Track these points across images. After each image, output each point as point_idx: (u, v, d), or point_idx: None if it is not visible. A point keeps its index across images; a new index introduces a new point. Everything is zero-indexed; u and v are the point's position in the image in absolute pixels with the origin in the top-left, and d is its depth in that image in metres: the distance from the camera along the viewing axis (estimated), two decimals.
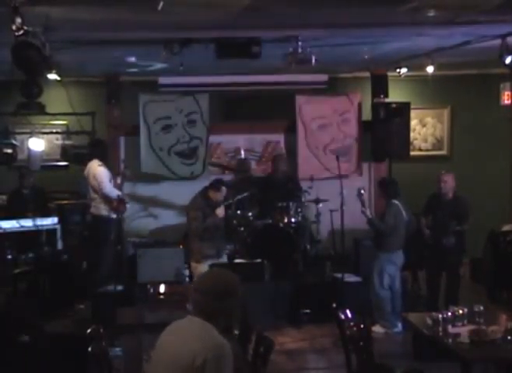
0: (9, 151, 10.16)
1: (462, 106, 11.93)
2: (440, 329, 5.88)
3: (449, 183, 9.10)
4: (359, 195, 8.94)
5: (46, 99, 9.45)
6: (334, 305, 8.69)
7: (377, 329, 8.61)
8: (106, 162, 9.84)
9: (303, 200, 10.26)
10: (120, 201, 9.68)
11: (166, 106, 11.15)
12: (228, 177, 10.61)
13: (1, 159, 10.18)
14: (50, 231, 9.75)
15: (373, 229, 9.10)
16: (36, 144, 10.48)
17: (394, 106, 11.15)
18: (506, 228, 10.13)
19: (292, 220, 9.90)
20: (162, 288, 7.18)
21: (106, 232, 9.66)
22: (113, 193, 9.61)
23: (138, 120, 11.06)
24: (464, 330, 5.79)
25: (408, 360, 7.40)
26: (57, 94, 10.49)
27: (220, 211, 9.14)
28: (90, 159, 9.82)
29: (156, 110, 11.12)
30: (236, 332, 6.52)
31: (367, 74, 11.41)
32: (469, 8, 6.29)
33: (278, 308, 9.26)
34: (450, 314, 6.00)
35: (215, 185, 9.16)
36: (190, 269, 9.18)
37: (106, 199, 9.60)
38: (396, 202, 8.81)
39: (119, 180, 9.83)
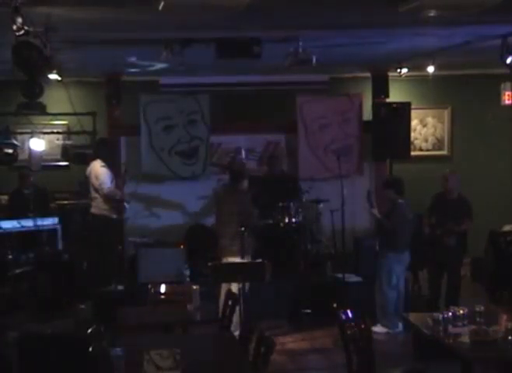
0: (10, 151, 10.15)
1: (463, 106, 11.93)
2: (441, 329, 5.88)
3: (452, 182, 9.11)
4: (369, 196, 8.94)
5: (47, 99, 9.46)
6: (334, 305, 8.68)
7: (379, 329, 8.60)
8: (110, 162, 9.86)
9: (303, 200, 10.27)
10: (120, 202, 9.70)
11: (167, 106, 11.16)
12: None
13: (2, 159, 10.18)
14: (51, 231, 9.76)
15: (380, 229, 9.07)
16: (37, 144, 10.49)
17: (394, 106, 11.14)
18: (506, 228, 10.14)
19: (293, 220, 9.90)
20: (162, 288, 7.17)
21: (107, 232, 9.67)
22: (114, 194, 9.63)
23: (139, 120, 11.07)
24: (464, 330, 5.79)
25: (409, 360, 7.40)
26: (58, 94, 10.50)
27: None
28: (94, 159, 9.85)
29: (157, 110, 11.13)
30: (237, 332, 6.54)
31: (368, 74, 11.42)
32: (470, 8, 6.28)
33: (278, 308, 9.26)
34: (450, 314, 5.99)
35: (243, 175, 9.01)
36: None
37: (107, 199, 9.62)
38: (402, 201, 8.79)
39: (120, 182, 9.85)
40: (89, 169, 9.84)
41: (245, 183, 8.80)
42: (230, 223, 8.64)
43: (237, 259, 8.26)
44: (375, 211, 8.91)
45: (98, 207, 9.75)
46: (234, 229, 8.56)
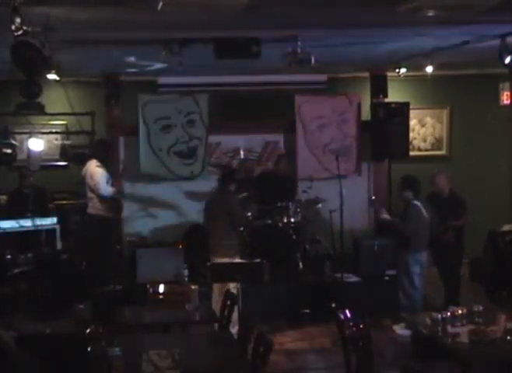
0: (9, 151, 10.15)
1: (461, 106, 11.93)
2: (440, 329, 5.89)
3: (440, 182, 9.20)
4: (372, 204, 8.93)
5: (45, 99, 9.46)
6: (333, 305, 8.69)
7: (403, 331, 8.29)
8: (107, 162, 9.85)
9: (302, 200, 10.28)
10: (116, 202, 9.70)
11: (166, 106, 11.15)
12: None
13: (0, 159, 10.18)
14: (50, 231, 9.76)
15: (393, 231, 9.04)
16: (36, 144, 10.47)
17: (393, 106, 11.15)
18: (506, 228, 10.14)
19: (292, 220, 9.91)
20: (161, 288, 7.18)
21: (105, 232, 9.67)
22: (109, 193, 9.62)
23: (138, 120, 11.07)
24: (463, 330, 5.80)
25: (408, 360, 7.40)
26: (57, 94, 10.49)
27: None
28: (90, 159, 9.84)
29: (156, 110, 11.12)
30: (236, 332, 6.54)
31: (366, 74, 11.42)
32: (468, 8, 6.29)
33: (277, 308, 9.26)
34: (449, 314, 6.01)
35: (232, 177, 9.00)
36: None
37: (103, 199, 9.62)
38: (417, 203, 8.72)
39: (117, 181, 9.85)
40: (85, 168, 9.84)
41: (233, 185, 8.81)
42: (216, 223, 8.67)
43: (225, 260, 8.27)
44: (386, 216, 8.89)
45: (94, 207, 9.74)
46: (220, 230, 8.60)
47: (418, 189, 8.81)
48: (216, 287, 8.29)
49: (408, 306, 8.70)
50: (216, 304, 7.65)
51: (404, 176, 8.99)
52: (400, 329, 8.51)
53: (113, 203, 9.75)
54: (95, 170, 9.67)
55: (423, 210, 8.72)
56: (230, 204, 8.67)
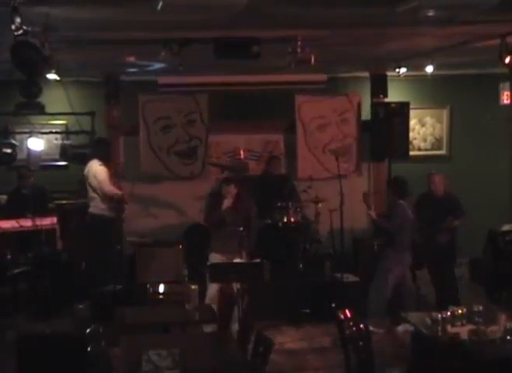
0: (9, 150, 10.14)
1: (461, 106, 11.93)
2: (440, 328, 5.89)
3: (438, 183, 9.21)
4: (365, 198, 8.97)
5: (45, 98, 9.44)
6: (333, 305, 8.69)
7: (402, 328, 8.44)
8: (109, 161, 9.85)
9: (302, 199, 10.27)
10: (120, 201, 9.69)
11: (166, 106, 11.17)
12: None
13: (0, 159, 10.17)
14: (50, 231, 9.76)
15: (379, 230, 9.09)
16: (36, 144, 10.47)
17: (393, 105, 11.16)
18: (505, 227, 10.14)
19: (292, 220, 9.90)
20: (161, 288, 7.18)
21: (106, 232, 9.66)
22: (113, 192, 9.62)
23: (138, 120, 11.08)
24: (463, 330, 5.80)
25: (408, 360, 7.40)
26: (57, 94, 10.47)
27: (226, 202, 8.70)
28: (91, 159, 9.84)
29: (156, 110, 11.14)
30: (236, 331, 6.55)
31: (367, 74, 11.42)
32: (469, 8, 6.29)
33: (277, 308, 9.25)
34: (449, 314, 6.01)
35: (222, 183, 9.02)
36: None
37: (106, 198, 9.61)
38: (402, 202, 8.80)
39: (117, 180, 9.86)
40: (86, 169, 9.82)
41: (231, 184, 8.78)
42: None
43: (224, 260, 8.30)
44: (372, 213, 8.94)
45: (96, 206, 9.73)
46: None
47: (404, 190, 8.87)
48: (213, 288, 8.26)
49: (376, 302, 8.72)
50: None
51: (392, 178, 9.09)
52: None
53: (116, 203, 9.74)
54: (98, 169, 9.68)
55: (408, 210, 8.79)
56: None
